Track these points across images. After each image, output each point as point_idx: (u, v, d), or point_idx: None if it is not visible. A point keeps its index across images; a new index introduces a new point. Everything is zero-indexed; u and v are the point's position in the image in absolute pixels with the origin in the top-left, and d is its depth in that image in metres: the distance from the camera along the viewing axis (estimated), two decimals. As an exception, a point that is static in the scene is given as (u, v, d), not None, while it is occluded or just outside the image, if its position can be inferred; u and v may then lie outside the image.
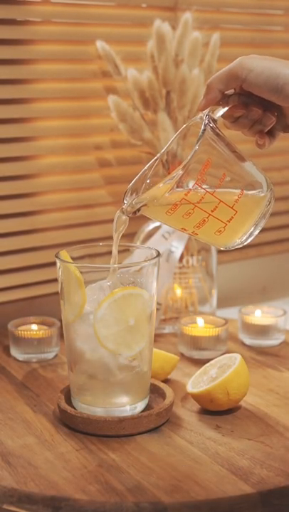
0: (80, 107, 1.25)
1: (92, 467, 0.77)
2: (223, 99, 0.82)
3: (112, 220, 0.84)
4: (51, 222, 1.25)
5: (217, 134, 0.79)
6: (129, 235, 1.22)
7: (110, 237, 1.27)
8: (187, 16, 1.20)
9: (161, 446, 0.81)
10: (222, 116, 0.83)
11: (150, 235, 1.19)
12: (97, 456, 0.79)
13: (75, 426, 0.85)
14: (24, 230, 1.22)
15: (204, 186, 0.78)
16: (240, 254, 1.47)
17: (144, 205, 0.80)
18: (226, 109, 0.82)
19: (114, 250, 0.86)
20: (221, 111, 0.82)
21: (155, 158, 0.86)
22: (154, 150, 1.20)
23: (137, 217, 0.85)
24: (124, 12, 1.26)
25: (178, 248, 1.18)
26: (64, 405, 0.86)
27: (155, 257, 0.85)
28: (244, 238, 0.82)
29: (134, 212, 0.82)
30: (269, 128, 0.83)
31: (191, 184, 0.77)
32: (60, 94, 1.22)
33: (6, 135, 1.18)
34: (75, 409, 0.87)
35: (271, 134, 0.84)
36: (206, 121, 0.79)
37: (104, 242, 0.96)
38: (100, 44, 1.21)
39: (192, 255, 1.22)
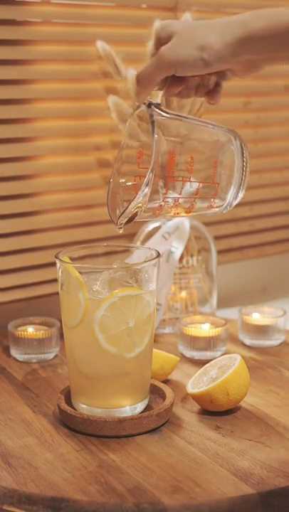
0: (79, 107, 1.25)
1: (92, 468, 0.77)
2: (159, 84, 0.82)
3: (111, 221, 0.85)
4: (51, 223, 1.25)
5: (166, 116, 0.79)
6: (129, 236, 1.23)
7: (110, 238, 1.27)
8: (187, 17, 1.20)
9: (161, 446, 0.81)
10: (164, 96, 0.83)
11: (150, 235, 1.19)
12: (97, 457, 0.79)
13: (75, 426, 0.85)
14: (24, 230, 1.22)
15: (179, 176, 0.77)
16: (241, 254, 1.47)
17: (135, 214, 0.81)
18: (164, 90, 0.82)
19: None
20: (160, 93, 0.82)
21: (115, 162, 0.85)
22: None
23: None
24: (124, 12, 1.26)
25: (178, 248, 1.17)
26: (64, 406, 0.86)
27: (155, 258, 0.85)
28: (240, 193, 0.83)
29: (127, 223, 0.83)
30: (213, 85, 0.83)
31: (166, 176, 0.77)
32: (59, 94, 1.22)
33: (5, 135, 1.18)
34: (75, 409, 0.87)
35: (218, 85, 0.84)
36: (151, 112, 0.78)
37: (105, 243, 0.97)
38: (100, 44, 1.20)
39: (192, 255, 1.22)
